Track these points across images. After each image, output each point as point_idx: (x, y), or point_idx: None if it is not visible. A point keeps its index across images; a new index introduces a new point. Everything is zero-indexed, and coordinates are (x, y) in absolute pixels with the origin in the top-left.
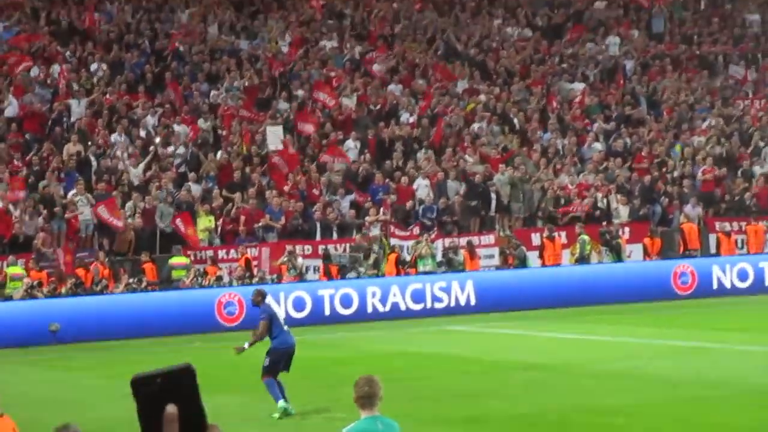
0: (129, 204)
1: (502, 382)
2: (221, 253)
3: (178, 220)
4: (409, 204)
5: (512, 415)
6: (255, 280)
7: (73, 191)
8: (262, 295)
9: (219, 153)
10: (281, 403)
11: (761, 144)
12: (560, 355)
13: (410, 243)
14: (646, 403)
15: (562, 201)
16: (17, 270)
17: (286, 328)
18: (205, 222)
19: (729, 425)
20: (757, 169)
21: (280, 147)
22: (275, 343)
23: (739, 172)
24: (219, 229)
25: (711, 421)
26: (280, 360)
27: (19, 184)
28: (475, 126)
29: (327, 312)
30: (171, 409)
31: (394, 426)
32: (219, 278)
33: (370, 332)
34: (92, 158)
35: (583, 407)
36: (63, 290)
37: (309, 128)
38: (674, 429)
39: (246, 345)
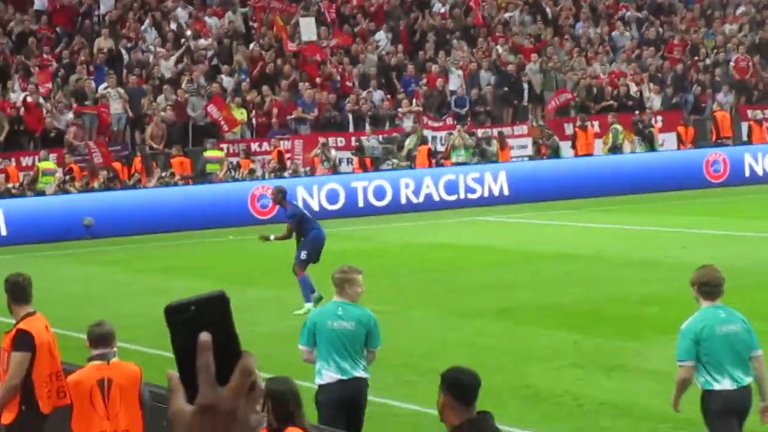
0: (161, 97)
1: (534, 273)
2: (254, 146)
3: (210, 107)
4: (441, 95)
5: (544, 305)
6: (288, 172)
7: (104, 85)
8: (282, 192)
9: (251, 45)
10: (309, 304)
11: None
12: (593, 245)
13: (443, 134)
14: (678, 292)
15: (595, 90)
16: (50, 165)
17: (316, 223)
18: (237, 115)
19: (762, 312)
20: None
21: (314, 38)
22: (310, 236)
23: None
24: (252, 121)
25: (744, 308)
26: (314, 253)
27: (45, 77)
28: (507, 15)
29: (360, 204)
30: (205, 336)
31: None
32: (252, 171)
33: (404, 224)
34: (123, 51)
35: (616, 297)
36: (96, 184)
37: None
38: None
39: (272, 237)
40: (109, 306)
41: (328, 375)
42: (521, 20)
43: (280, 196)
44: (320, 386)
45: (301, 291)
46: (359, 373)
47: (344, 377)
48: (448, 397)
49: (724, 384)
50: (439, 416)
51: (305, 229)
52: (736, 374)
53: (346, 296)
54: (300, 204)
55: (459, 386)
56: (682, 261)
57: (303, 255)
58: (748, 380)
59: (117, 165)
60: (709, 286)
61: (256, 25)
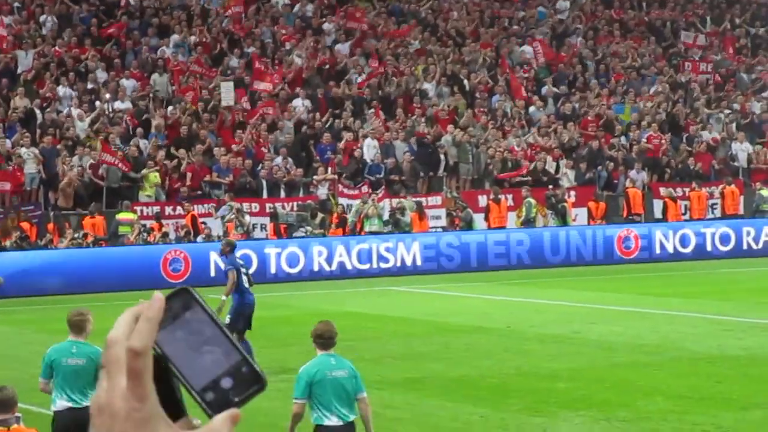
0: (75, 159)
1: (444, 344)
2: (168, 210)
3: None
4: (356, 163)
5: (453, 378)
6: (201, 237)
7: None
8: (231, 245)
9: (168, 109)
10: None
11: (706, 111)
12: (503, 318)
13: (357, 202)
14: (586, 367)
15: (510, 164)
16: None
17: (247, 285)
18: (152, 178)
19: (665, 391)
20: (704, 135)
21: (232, 103)
22: (238, 299)
23: (684, 138)
24: (166, 185)
25: (648, 386)
26: (240, 318)
27: None
28: (425, 87)
29: (273, 270)
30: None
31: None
32: (165, 234)
33: (316, 291)
34: (37, 111)
35: (524, 371)
36: (8, 243)
37: (265, 86)
38: (613, 394)
39: (223, 297)
40: (21, 366)
41: (60, 404)
42: (438, 92)
43: (228, 249)
44: (55, 413)
45: None
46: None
47: (75, 406)
48: None
49: (333, 420)
50: None
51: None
52: (342, 412)
53: (82, 336)
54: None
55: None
56: (590, 337)
57: (226, 320)
58: (352, 417)
59: (25, 225)
60: (322, 338)
61: (174, 88)
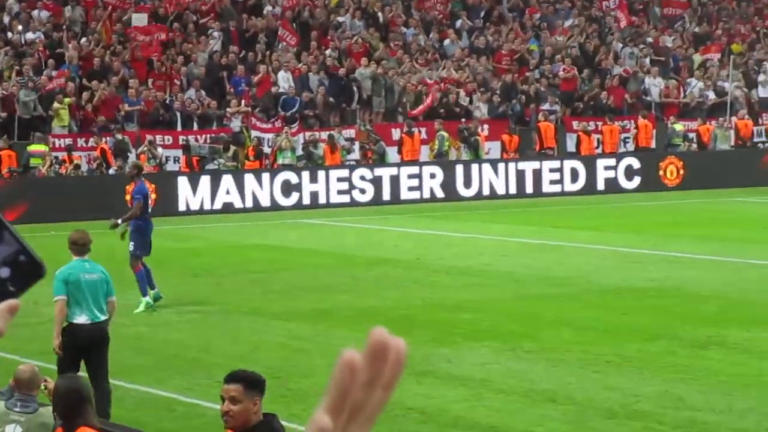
0: None
1: (353, 276)
2: (80, 141)
3: None
4: (271, 96)
5: (360, 309)
6: (113, 169)
7: None
8: (138, 167)
9: (82, 40)
10: (146, 299)
11: (619, 45)
12: (413, 250)
13: (271, 135)
14: (493, 299)
15: (423, 97)
16: None
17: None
18: (62, 114)
19: (571, 322)
20: (617, 69)
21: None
22: (143, 224)
23: (597, 72)
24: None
25: (554, 318)
26: (145, 242)
27: None
28: (340, 20)
29: (184, 203)
30: None
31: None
32: (77, 167)
33: (228, 224)
34: None
35: (431, 303)
36: None
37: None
38: (518, 326)
39: (119, 221)
40: None
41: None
42: (352, 25)
43: (135, 171)
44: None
45: (139, 285)
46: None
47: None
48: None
49: (83, 318)
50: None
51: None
52: (94, 312)
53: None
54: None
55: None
56: (499, 269)
57: (132, 246)
58: (102, 318)
59: None
60: (77, 245)
61: (86, 19)
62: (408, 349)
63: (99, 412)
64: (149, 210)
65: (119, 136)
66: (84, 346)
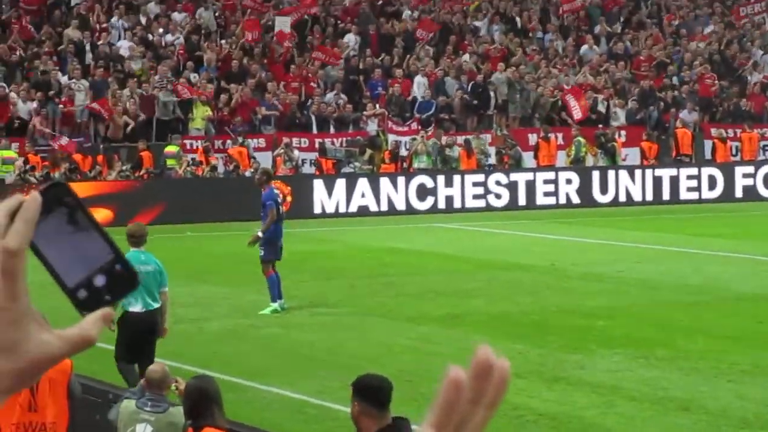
0: (125, 91)
1: (487, 281)
2: (217, 143)
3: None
4: (407, 99)
5: (493, 314)
6: (249, 170)
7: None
8: (268, 174)
9: (221, 42)
10: (275, 305)
11: (759, 51)
12: (548, 256)
13: (408, 138)
14: (627, 306)
15: (560, 103)
16: (10, 153)
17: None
18: (202, 111)
19: (706, 330)
20: (755, 77)
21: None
22: (272, 230)
23: (736, 78)
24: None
25: (688, 325)
26: (273, 248)
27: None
28: (477, 24)
29: (319, 206)
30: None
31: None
32: (213, 168)
33: (363, 227)
34: (89, 44)
35: (565, 309)
36: (57, 174)
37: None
38: (652, 333)
39: (259, 233)
40: (56, 294)
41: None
42: (490, 29)
43: (265, 178)
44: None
45: (270, 290)
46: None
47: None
48: (361, 403)
49: (138, 307)
50: (355, 425)
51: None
52: (147, 301)
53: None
54: None
55: (370, 391)
56: (632, 275)
57: (263, 252)
58: (155, 306)
59: (78, 157)
60: (134, 237)
61: (225, 22)
62: (541, 355)
63: None
64: (281, 214)
65: (242, 140)
66: (139, 332)
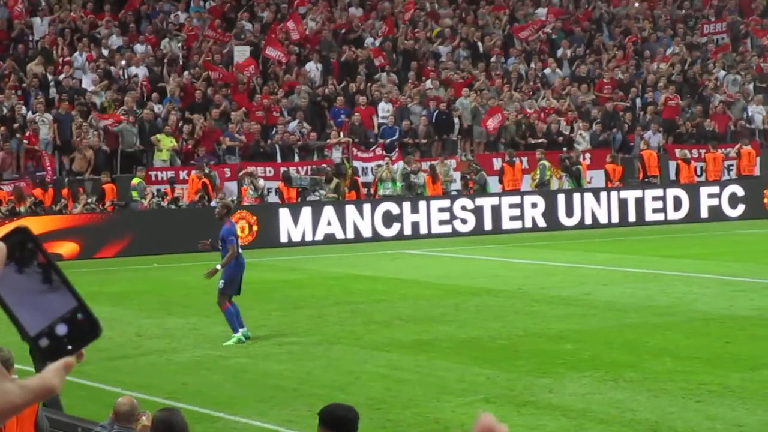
0: (90, 123)
1: (454, 306)
2: (182, 174)
3: None
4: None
5: (462, 340)
6: (215, 200)
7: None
8: (228, 208)
9: (183, 73)
10: (237, 335)
11: (722, 72)
12: (515, 280)
13: (373, 164)
14: (595, 328)
15: (523, 126)
16: None
17: (240, 250)
18: (167, 143)
19: (674, 351)
20: (717, 97)
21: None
22: (233, 265)
23: (699, 99)
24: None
25: (657, 347)
26: (233, 283)
27: None
28: (440, 50)
29: (285, 235)
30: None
31: None
32: (176, 199)
33: (329, 255)
34: (52, 77)
35: (533, 332)
36: (22, 209)
37: (277, 54)
38: (620, 355)
39: (218, 266)
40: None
41: None
42: (455, 56)
43: (225, 211)
44: None
45: (228, 323)
46: None
47: None
48: None
49: None
50: None
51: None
52: None
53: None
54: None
55: (336, 421)
56: (599, 298)
57: (221, 285)
58: None
59: (38, 191)
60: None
61: (187, 53)
62: (510, 380)
63: None
64: (239, 249)
65: (207, 170)
66: None
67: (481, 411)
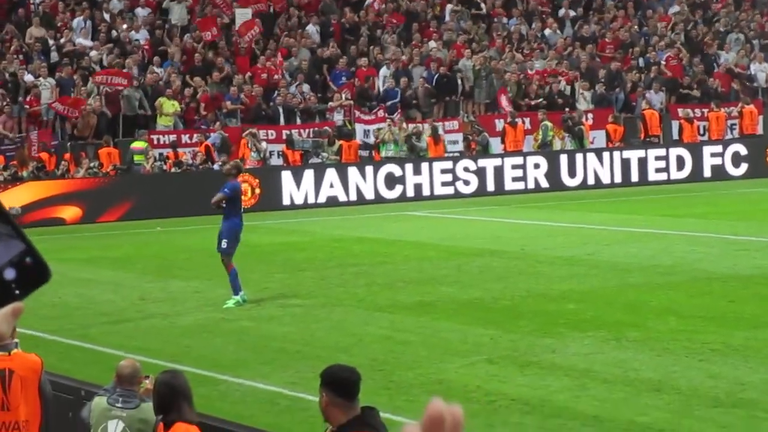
0: (90, 87)
1: (457, 268)
2: (184, 138)
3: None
4: (372, 88)
5: (464, 301)
6: (217, 164)
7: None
8: (238, 168)
9: (185, 37)
10: (237, 297)
11: (725, 30)
12: (518, 241)
13: (374, 127)
14: (598, 289)
15: (524, 87)
16: None
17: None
18: (169, 107)
19: (677, 311)
20: (722, 55)
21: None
22: (237, 224)
23: (702, 59)
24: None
25: (660, 306)
26: (235, 241)
27: None
28: (439, 11)
29: (288, 197)
30: None
31: None
32: (179, 163)
33: (331, 218)
34: (53, 42)
35: (536, 293)
36: (24, 174)
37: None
38: (623, 315)
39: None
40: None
41: None
42: (457, 16)
43: (234, 172)
44: None
45: (232, 283)
46: None
47: None
48: (329, 394)
49: None
50: (323, 416)
51: (231, 211)
52: None
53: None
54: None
55: (338, 382)
56: (602, 258)
57: (224, 244)
58: None
59: (44, 155)
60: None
61: (190, 17)
62: (513, 341)
63: None
64: (241, 208)
65: (223, 133)
66: None
67: (431, 398)
